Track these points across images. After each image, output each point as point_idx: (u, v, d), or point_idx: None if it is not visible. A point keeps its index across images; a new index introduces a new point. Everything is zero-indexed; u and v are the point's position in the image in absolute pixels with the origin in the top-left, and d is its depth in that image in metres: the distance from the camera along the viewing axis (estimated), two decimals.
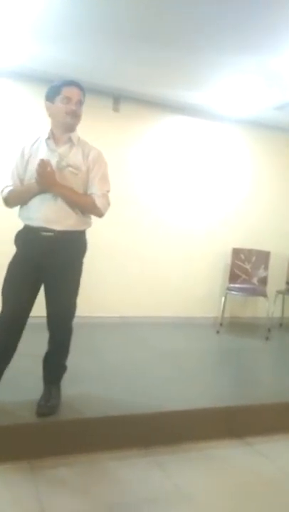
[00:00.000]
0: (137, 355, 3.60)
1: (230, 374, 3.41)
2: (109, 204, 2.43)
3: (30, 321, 2.37)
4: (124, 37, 3.24)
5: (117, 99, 4.48)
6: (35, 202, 2.28)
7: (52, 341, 2.45)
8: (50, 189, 2.24)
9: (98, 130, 4.45)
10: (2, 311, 2.33)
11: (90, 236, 4.37)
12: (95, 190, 2.37)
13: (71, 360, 3.19)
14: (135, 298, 4.71)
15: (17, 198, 2.34)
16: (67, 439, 2.27)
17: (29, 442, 2.20)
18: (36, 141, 2.35)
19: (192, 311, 4.95)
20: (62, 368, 2.51)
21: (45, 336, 2.45)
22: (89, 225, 2.45)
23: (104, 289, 4.56)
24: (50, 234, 2.27)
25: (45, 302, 2.38)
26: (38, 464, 2.14)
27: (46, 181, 2.20)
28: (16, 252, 2.36)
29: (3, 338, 2.34)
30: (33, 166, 2.23)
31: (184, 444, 2.47)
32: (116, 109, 4.51)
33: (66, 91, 2.27)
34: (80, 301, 4.35)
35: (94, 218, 2.50)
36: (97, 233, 4.42)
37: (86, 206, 2.36)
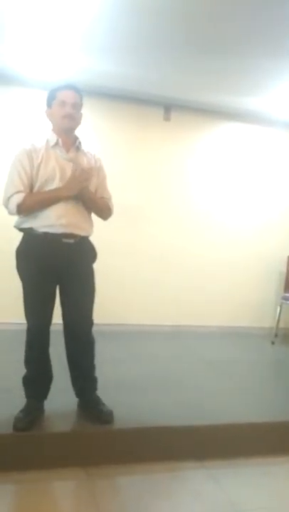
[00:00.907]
0: (189, 366, 3.56)
1: (286, 387, 3.29)
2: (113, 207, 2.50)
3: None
4: (174, 46, 3.26)
5: (168, 108, 4.50)
6: (57, 208, 2.21)
7: (73, 354, 2.40)
8: (83, 194, 2.24)
9: (149, 140, 4.51)
10: (30, 326, 2.29)
11: (141, 243, 4.45)
12: (106, 195, 2.44)
13: (124, 370, 3.25)
14: (185, 306, 4.68)
15: (38, 203, 2.21)
16: (122, 448, 2.27)
17: (85, 450, 2.23)
18: (42, 147, 2.27)
19: (245, 320, 4.85)
20: (96, 381, 2.47)
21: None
22: (93, 230, 2.43)
23: (154, 298, 4.57)
24: (70, 241, 2.24)
25: (62, 312, 2.34)
26: (95, 472, 2.15)
27: (79, 187, 2.21)
28: (27, 264, 2.26)
29: (39, 352, 2.34)
30: (49, 171, 2.22)
31: (239, 459, 2.40)
32: (167, 119, 4.53)
33: (61, 94, 2.26)
34: (132, 310, 4.46)
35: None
36: (149, 241, 4.51)
37: (104, 210, 2.43)
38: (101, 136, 4.24)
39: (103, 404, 2.39)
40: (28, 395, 2.37)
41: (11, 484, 2.05)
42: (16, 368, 2.40)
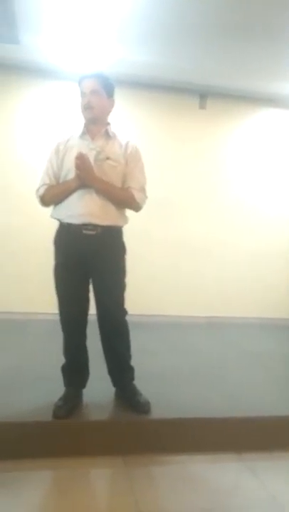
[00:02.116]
0: (227, 358, 3.53)
1: None
2: (146, 198, 2.37)
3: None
4: (207, 32, 3.20)
5: (204, 96, 4.42)
6: (74, 198, 2.22)
7: (108, 343, 2.40)
8: (90, 183, 2.19)
9: (184, 128, 4.46)
10: (61, 315, 2.34)
11: (177, 234, 4.43)
12: (134, 184, 2.31)
13: (161, 361, 3.25)
14: (221, 297, 4.63)
15: (55, 196, 2.27)
16: (160, 438, 2.29)
17: (123, 438, 2.25)
18: (70, 137, 2.31)
19: (282, 312, 4.74)
20: (132, 370, 2.48)
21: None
22: (126, 220, 2.38)
23: (192, 289, 4.55)
24: (92, 232, 2.21)
25: (95, 303, 2.35)
26: (132, 461, 2.17)
27: (86, 175, 2.17)
28: (58, 254, 2.31)
29: (74, 341, 2.37)
30: (69, 162, 2.22)
31: (277, 452, 2.37)
32: (202, 107, 4.45)
33: (81, 86, 2.28)
34: (169, 300, 4.46)
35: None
36: (186, 231, 4.47)
37: (125, 200, 2.31)
38: (136, 125, 4.22)
39: (140, 394, 2.40)
40: (66, 384, 2.42)
41: (50, 470, 2.11)
42: (57, 357, 2.44)
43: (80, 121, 2.36)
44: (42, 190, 2.30)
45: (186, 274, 4.56)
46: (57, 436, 2.18)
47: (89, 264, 2.28)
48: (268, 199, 4.70)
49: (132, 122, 4.19)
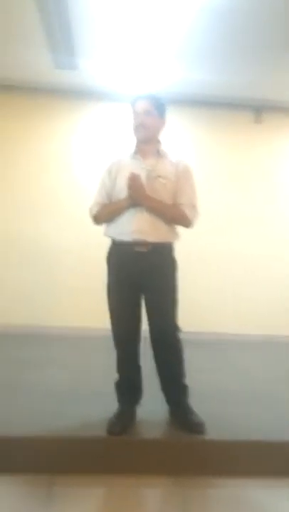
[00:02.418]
0: (282, 378, 3.39)
1: None
2: (198, 214, 2.38)
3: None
4: (261, 48, 3.20)
5: (259, 110, 4.37)
6: (126, 216, 2.27)
7: (160, 361, 2.39)
8: (141, 202, 2.23)
9: (240, 143, 4.42)
10: (114, 332, 2.37)
11: (230, 249, 4.35)
12: (185, 201, 2.33)
13: (216, 379, 3.17)
14: (278, 315, 4.49)
15: (107, 214, 2.34)
16: (214, 459, 2.23)
17: (177, 459, 2.22)
18: (122, 157, 2.38)
19: None
20: (185, 388, 2.44)
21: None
22: (178, 237, 2.40)
23: (245, 307, 4.45)
24: (143, 250, 2.25)
25: (147, 320, 2.35)
26: (185, 482, 2.13)
27: (137, 194, 2.22)
28: (111, 272, 2.36)
29: (127, 358, 2.39)
30: (122, 182, 2.27)
31: None
32: (258, 121, 4.40)
33: (134, 107, 2.34)
34: (223, 318, 4.37)
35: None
36: (238, 247, 4.39)
37: (175, 217, 2.33)
38: (194, 142, 4.26)
39: (194, 413, 2.37)
40: (120, 400, 2.43)
41: (102, 487, 2.11)
42: (113, 373, 2.46)
43: (132, 141, 2.42)
44: (95, 209, 2.39)
45: (240, 289, 4.47)
46: (110, 452, 2.19)
47: (141, 281, 2.31)
48: None
49: (190, 139, 4.23)
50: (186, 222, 2.36)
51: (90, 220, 2.45)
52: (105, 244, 2.42)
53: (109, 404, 2.41)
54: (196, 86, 3.93)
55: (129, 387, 2.44)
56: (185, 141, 4.13)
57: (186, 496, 2.05)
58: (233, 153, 4.43)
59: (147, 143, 2.35)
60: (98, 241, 2.49)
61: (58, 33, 3.09)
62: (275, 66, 3.50)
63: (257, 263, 4.47)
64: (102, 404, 2.51)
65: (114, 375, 2.45)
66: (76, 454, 2.16)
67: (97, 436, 2.22)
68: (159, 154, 2.37)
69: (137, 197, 2.23)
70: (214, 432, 2.31)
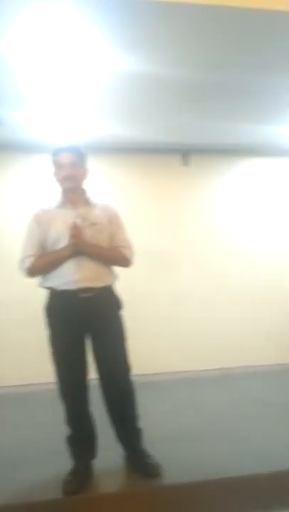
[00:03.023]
0: (243, 410, 3.36)
1: None
2: (133, 253, 2.45)
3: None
4: (184, 97, 3.34)
5: (186, 153, 4.58)
6: (68, 265, 2.25)
7: (112, 406, 2.33)
8: (85, 250, 2.25)
9: (169, 186, 4.58)
10: (59, 383, 2.28)
11: (170, 288, 4.40)
12: (121, 243, 2.41)
13: (172, 421, 3.08)
14: (232, 347, 4.52)
15: (46, 265, 2.29)
16: (178, 504, 2.12)
17: (139, 509, 2.09)
18: (51, 208, 2.37)
19: None
20: (140, 432, 2.38)
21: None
22: (116, 277, 2.43)
23: (197, 341, 4.45)
24: (88, 295, 2.25)
25: (96, 365, 2.31)
26: None
27: (81, 243, 2.23)
28: (53, 321, 2.30)
29: (76, 409, 2.29)
30: (56, 232, 2.28)
31: None
32: (185, 163, 4.60)
33: (58, 158, 2.35)
34: (175, 354, 4.33)
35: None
36: (178, 286, 4.44)
37: (117, 260, 2.39)
38: (121, 188, 4.34)
39: (149, 456, 2.30)
40: (74, 456, 2.29)
41: None
42: (63, 430, 2.33)
43: (56, 192, 2.44)
44: (28, 262, 2.30)
45: (191, 326, 4.47)
46: None
47: (88, 326, 2.27)
48: (258, 247, 4.70)
49: (115, 186, 4.31)
50: (126, 262, 2.42)
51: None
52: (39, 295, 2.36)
53: (63, 463, 2.25)
54: (121, 136, 4.07)
55: (82, 440, 2.31)
56: (112, 187, 4.20)
57: None
58: (161, 196, 4.56)
59: (75, 192, 2.38)
60: (40, 292, 2.41)
61: None
62: (199, 111, 3.69)
63: (198, 299, 4.52)
64: (55, 463, 2.35)
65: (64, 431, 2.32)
66: None
67: (52, 499, 2.04)
68: (88, 202, 2.40)
69: (81, 245, 2.24)
70: (176, 475, 2.23)
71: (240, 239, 4.69)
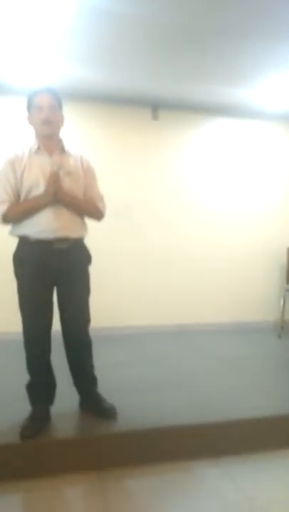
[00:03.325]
0: (197, 364, 3.51)
1: None
2: (105, 207, 2.46)
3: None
4: (155, 44, 3.22)
5: (156, 107, 4.48)
6: (45, 213, 2.21)
7: (72, 353, 2.40)
8: (62, 199, 2.22)
9: (138, 140, 4.49)
10: (26, 331, 2.27)
11: (137, 244, 4.42)
12: (95, 195, 2.40)
13: (131, 372, 3.19)
14: (189, 304, 4.64)
15: (21, 213, 2.24)
16: (133, 450, 2.22)
17: (95, 453, 2.18)
18: (25, 154, 2.27)
19: (249, 315, 4.80)
20: (95, 379, 2.48)
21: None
22: (87, 231, 2.43)
23: (156, 298, 4.53)
24: (63, 246, 2.24)
25: (60, 315, 2.34)
26: (106, 475, 2.10)
27: (58, 191, 2.20)
28: (24, 271, 2.26)
29: (39, 357, 2.32)
30: (31, 179, 2.22)
31: (254, 454, 2.35)
32: (155, 118, 4.51)
33: (37, 99, 2.25)
34: (134, 312, 4.42)
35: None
36: (145, 241, 4.47)
37: (91, 211, 2.39)
38: (89, 139, 4.21)
39: (105, 400, 2.42)
40: (33, 402, 2.34)
41: (22, 493, 2.00)
42: (21, 378, 2.37)
43: (28, 136, 2.32)
44: (3, 208, 2.23)
45: (152, 283, 4.54)
46: (26, 457, 2.08)
47: (58, 277, 2.27)
48: (225, 205, 4.77)
49: (84, 136, 4.17)
50: (100, 215, 2.43)
51: None
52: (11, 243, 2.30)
53: (21, 410, 2.30)
54: (90, 82, 3.89)
55: (42, 387, 2.35)
56: (78, 137, 4.06)
57: (107, 490, 2.01)
58: (130, 150, 4.47)
59: (52, 139, 2.29)
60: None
61: None
62: (169, 64, 3.57)
63: (164, 256, 4.57)
64: (14, 409, 2.39)
65: (22, 379, 2.35)
66: None
67: (10, 443, 2.09)
68: (63, 150, 2.33)
69: (60, 194, 2.20)
70: (129, 422, 2.32)
71: (204, 199, 4.72)
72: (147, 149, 4.54)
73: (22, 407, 2.33)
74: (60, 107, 2.32)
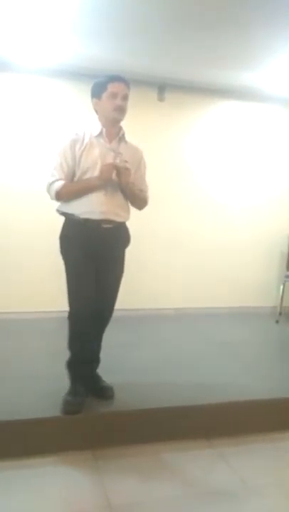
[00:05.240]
0: (194, 347, 3.54)
1: None
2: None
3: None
4: (164, 25, 3.15)
5: (162, 88, 4.41)
6: (95, 196, 2.28)
7: (96, 334, 2.48)
8: (123, 186, 2.30)
9: (144, 121, 4.43)
10: (75, 309, 2.33)
11: (141, 227, 4.40)
12: (144, 187, 2.51)
13: (130, 353, 3.22)
14: (189, 289, 4.65)
15: (74, 192, 2.31)
16: (129, 429, 2.27)
17: (92, 432, 2.23)
18: (86, 136, 2.33)
19: (248, 300, 4.81)
20: (99, 360, 2.56)
21: None
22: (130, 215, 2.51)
23: (158, 282, 4.54)
24: (109, 226, 2.32)
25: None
26: (101, 454, 2.15)
27: (109, 177, 2.25)
28: (73, 248, 2.33)
29: (85, 334, 2.36)
30: (89, 162, 2.29)
31: (247, 436, 2.41)
32: (161, 99, 4.44)
33: (112, 86, 2.29)
34: (135, 294, 4.43)
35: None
36: (148, 224, 4.45)
37: (140, 202, 2.49)
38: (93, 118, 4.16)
39: (103, 380, 2.49)
40: (74, 378, 2.38)
41: (16, 470, 2.05)
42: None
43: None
44: (58, 185, 2.29)
45: (154, 266, 4.54)
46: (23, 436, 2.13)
47: (99, 256, 2.34)
48: (228, 189, 4.74)
49: (89, 115, 4.12)
50: (144, 206, 2.56)
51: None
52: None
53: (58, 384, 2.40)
54: (96, 61, 3.81)
55: (85, 363, 2.40)
56: (80, 114, 4.02)
57: (103, 468, 2.06)
58: (135, 131, 4.40)
59: (115, 126, 2.37)
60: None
61: None
62: (177, 45, 3.50)
63: (167, 239, 4.56)
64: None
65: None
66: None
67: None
68: (121, 138, 2.40)
69: (107, 179, 2.25)
70: (128, 402, 2.37)
71: (207, 182, 4.67)
72: (152, 130, 4.48)
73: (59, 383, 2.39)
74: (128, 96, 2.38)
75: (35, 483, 1.96)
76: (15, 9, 2.96)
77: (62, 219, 2.41)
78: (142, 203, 2.52)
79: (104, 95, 2.30)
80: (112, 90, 2.28)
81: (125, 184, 2.29)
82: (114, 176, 2.27)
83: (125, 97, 2.32)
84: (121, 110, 2.31)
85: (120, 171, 2.26)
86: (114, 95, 2.28)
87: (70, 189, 2.31)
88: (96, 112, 2.39)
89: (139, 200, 2.47)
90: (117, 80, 2.30)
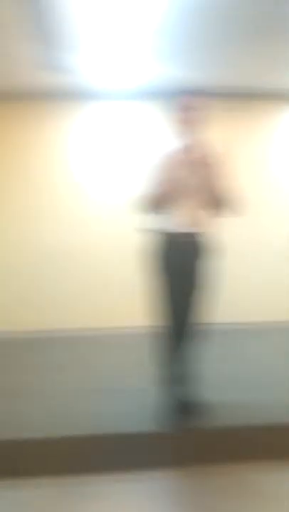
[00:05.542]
0: (274, 363, 3.44)
1: None
2: None
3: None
4: (236, 39, 3.24)
5: (248, 98, 4.39)
6: (182, 209, 2.39)
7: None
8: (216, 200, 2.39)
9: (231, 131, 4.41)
10: (171, 324, 2.38)
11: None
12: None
13: (212, 367, 3.19)
14: (269, 301, 4.58)
15: (160, 204, 2.42)
16: (219, 447, 2.27)
17: (173, 450, 2.25)
18: (173, 151, 2.45)
19: None
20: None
21: None
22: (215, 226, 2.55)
23: (235, 294, 4.50)
24: (194, 239, 2.40)
25: None
26: (193, 472, 2.17)
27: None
28: (165, 263, 2.40)
29: (177, 351, 2.43)
30: (175, 175, 2.39)
31: None
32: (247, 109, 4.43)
33: (179, 101, 2.42)
34: (223, 307, 4.38)
35: None
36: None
37: (221, 212, 2.50)
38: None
39: (197, 395, 2.47)
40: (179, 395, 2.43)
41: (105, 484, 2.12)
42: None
43: (177, 136, 2.48)
44: (147, 199, 2.43)
45: (231, 280, 4.50)
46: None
47: (193, 264, 2.42)
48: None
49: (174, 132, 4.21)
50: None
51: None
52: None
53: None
54: (171, 80, 3.93)
55: (178, 379, 2.44)
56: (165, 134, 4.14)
57: (194, 487, 2.08)
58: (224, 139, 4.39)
59: (192, 137, 2.46)
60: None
61: (49, 33, 3.09)
62: (260, 54, 3.56)
63: (242, 249, 4.53)
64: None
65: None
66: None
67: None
68: (201, 149, 2.47)
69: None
70: (216, 419, 2.36)
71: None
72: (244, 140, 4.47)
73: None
74: (202, 107, 2.44)
75: (116, 499, 2.02)
76: (97, 40, 3.16)
77: (147, 236, 2.48)
78: (223, 214, 2.52)
79: (175, 109, 2.43)
80: (178, 104, 2.41)
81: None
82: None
83: (191, 109, 2.40)
84: (186, 122, 2.40)
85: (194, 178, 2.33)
86: (180, 109, 2.41)
87: (156, 202, 2.41)
88: (174, 126, 2.48)
89: (222, 210, 2.50)
90: (182, 93, 2.42)
